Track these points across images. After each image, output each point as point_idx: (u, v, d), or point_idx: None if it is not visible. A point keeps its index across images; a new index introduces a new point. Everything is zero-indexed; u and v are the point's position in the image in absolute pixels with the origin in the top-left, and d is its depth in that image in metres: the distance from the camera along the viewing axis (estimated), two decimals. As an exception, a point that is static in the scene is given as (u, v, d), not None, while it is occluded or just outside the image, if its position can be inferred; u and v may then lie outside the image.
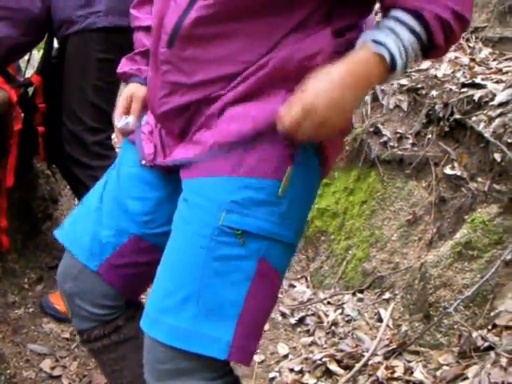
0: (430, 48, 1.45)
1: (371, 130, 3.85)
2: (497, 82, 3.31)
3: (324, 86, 1.36)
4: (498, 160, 2.89)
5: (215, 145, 1.49)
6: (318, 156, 1.54)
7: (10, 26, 2.92)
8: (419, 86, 3.80)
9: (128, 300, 1.86)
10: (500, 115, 3.04)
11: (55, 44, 3.19)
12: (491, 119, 3.07)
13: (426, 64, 4.01)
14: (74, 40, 2.95)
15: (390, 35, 1.40)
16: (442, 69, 3.83)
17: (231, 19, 1.44)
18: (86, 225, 1.79)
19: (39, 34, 3.11)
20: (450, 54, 4.04)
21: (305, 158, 1.50)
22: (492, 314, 2.51)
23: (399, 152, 3.61)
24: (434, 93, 3.62)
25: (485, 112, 3.15)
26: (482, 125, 3.10)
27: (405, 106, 3.85)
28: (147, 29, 1.79)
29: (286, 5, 1.43)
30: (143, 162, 1.70)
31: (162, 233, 1.70)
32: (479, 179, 3.03)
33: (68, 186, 3.82)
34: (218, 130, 1.50)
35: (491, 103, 3.16)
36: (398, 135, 3.71)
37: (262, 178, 1.46)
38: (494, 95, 3.19)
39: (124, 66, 1.90)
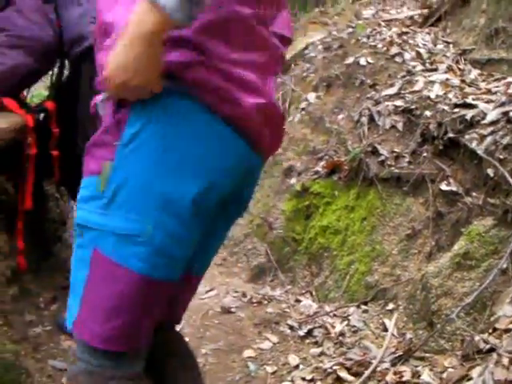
0: None
1: (369, 149, 4.00)
2: (487, 102, 3.48)
3: (115, 52, 1.44)
4: (491, 175, 3.07)
5: None
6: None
7: (24, 54, 3.04)
8: (413, 106, 3.97)
9: None
10: (491, 133, 3.21)
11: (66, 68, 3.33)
12: (483, 137, 3.24)
13: (418, 86, 4.19)
14: (88, 57, 3.05)
15: None
16: (435, 90, 4.00)
17: None
18: None
19: (51, 60, 3.24)
20: (442, 76, 4.22)
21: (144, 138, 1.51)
22: (492, 318, 2.65)
23: (396, 170, 3.77)
24: (427, 113, 3.79)
25: (477, 130, 3.32)
26: (475, 142, 3.27)
27: (400, 126, 4.02)
28: None
29: None
30: None
31: None
32: (474, 194, 3.19)
33: (75, 208, 3.93)
34: None
35: (483, 122, 3.33)
36: (395, 154, 3.86)
37: (89, 176, 1.59)
38: (485, 114, 3.36)
39: None
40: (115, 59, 1.44)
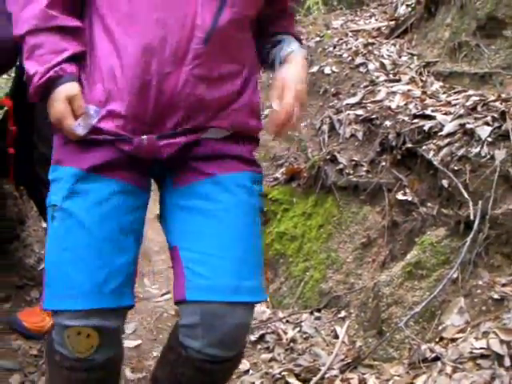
0: None
1: (328, 157, 4.02)
2: (445, 114, 3.51)
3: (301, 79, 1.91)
4: (446, 186, 3.09)
5: None
6: None
7: None
8: (374, 116, 4.00)
9: None
10: (448, 144, 3.23)
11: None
12: (440, 148, 3.26)
13: (380, 96, 4.22)
14: None
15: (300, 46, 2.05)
16: (396, 100, 4.04)
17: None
18: (94, 275, 1.84)
19: (12, 59, 3.21)
20: (404, 87, 4.26)
21: None
22: (440, 327, 2.68)
23: (354, 179, 3.79)
24: (387, 123, 3.81)
25: (434, 141, 3.35)
26: (432, 153, 3.29)
27: (360, 135, 4.04)
28: (67, 31, 1.82)
29: None
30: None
31: None
32: (429, 204, 3.21)
33: (34, 208, 3.90)
34: None
35: (440, 133, 3.36)
36: (354, 163, 3.89)
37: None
38: (443, 126, 3.38)
39: (45, 73, 1.80)
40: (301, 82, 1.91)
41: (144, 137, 1.80)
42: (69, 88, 1.80)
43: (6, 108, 3.28)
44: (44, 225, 3.86)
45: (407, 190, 3.41)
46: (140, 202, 1.94)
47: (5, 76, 4.23)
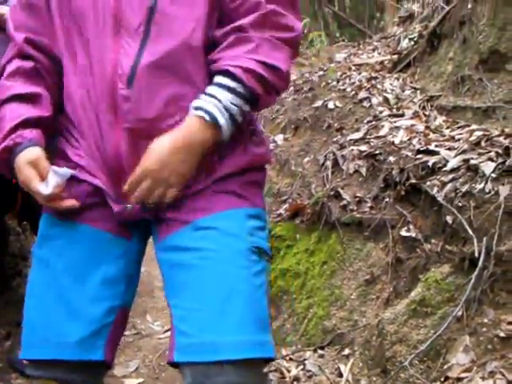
0: (254, 99, 1.67)
1: (332, 193, 4.00)
2: (449, 149, 3.49)
3: (159, 153, 1.64)
4: (450, 222, 3.06)
5: None
6: None
7: None
8: (377, 152, 3.99)
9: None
10: (452, 180, 3.21)
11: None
12: (444, 184, 3.24)
13: (384, 131, 4.22)
14: None
15: (208, 99, 1.64)
16: (399, 136, 4.03)
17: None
18: (59, 324, 1.76)
19: None
20: (407, 122, 4.26)
21: None
22: (445, 366, 2.63)
23: (358, 215, 3.76)
24: (391, 159, 3.80)
25: (438, 177, 3.33)
26: (436, 189, 3.27)
27: (364, 171, 4.03)
28: (21, 98, 1.80)
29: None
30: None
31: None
32: (433, 241, 3.18)
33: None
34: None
35: (444, 169, 3.34)
36: (357, 199, 3.86)
37: (260, 208, 1.85)
38: (447, 161, 3.37)
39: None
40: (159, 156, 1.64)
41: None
42: (29, 153, 1.74)
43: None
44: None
45: (411, 227, 3.38)
46: (122, 250, 1.84)
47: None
